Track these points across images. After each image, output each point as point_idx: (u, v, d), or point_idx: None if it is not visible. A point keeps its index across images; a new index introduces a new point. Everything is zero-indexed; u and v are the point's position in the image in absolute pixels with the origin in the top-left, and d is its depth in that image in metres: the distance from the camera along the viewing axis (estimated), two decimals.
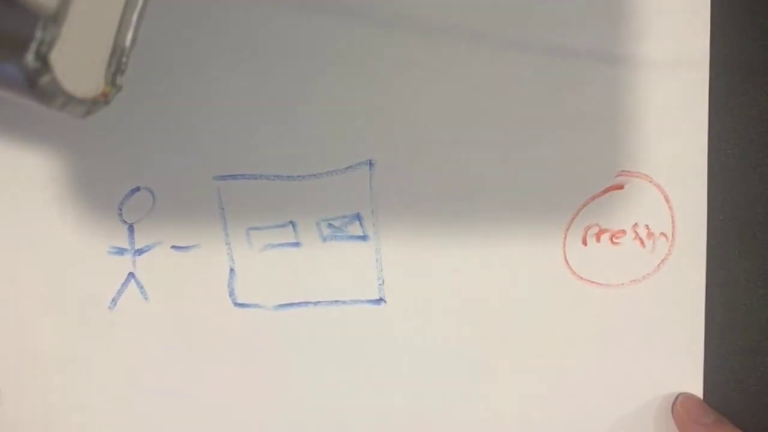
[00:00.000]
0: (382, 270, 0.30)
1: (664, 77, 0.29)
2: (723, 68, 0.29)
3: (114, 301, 0.30)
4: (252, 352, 0.30)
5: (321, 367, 0.30)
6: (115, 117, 0.28)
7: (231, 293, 0.30)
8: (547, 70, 0.29)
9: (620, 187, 0.29)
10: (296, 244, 0.30)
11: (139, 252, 0.29)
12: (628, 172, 0.29)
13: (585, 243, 0.30)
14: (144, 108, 0.29)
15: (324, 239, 0.29)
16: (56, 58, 0.17)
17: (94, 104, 0.20)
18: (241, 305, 0.30)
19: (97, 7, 0.19)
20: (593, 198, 0.29)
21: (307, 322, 0.30)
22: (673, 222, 0.30)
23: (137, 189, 0.29)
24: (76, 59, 0.18)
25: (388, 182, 0.29)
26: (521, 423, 0.31)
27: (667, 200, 0.29)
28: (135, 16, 0.20)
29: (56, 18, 0.17)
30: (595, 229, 0.30)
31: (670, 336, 0.30)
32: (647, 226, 0.30)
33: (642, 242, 0.30)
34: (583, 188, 0.29)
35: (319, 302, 0.30)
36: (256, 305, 0.30)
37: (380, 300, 0.30)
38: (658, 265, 0.30)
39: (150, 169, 0.29)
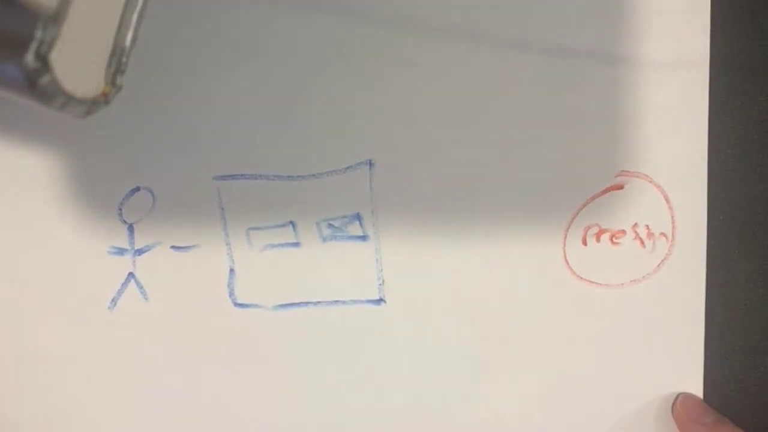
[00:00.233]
0: (382, 270, 0.30)
1: (664, 77, 0.29)
2: (723, 68, 0.29)
3: (114, 301, 0.30)
4: (252, 352, 0.30)
5: (321, 367, 0.30)
6: (115, 117, 0.28)
7: (231, 293, 0.30)
8: (547, 70, 0.29)
9: (620, 187, 0.29)
10: (296, 244, 0.30)
11: (139, 252, 0.29)
12: (628, 172, 0.29)
13: (585, 243, 0.30)
14: (144, 108, 0.29)
15: (324, 239, 0.29)
16: (56, 58, 0.17)
17: (94, 104, 0.20)
18: (241, 305, 0.30)
19: (97, 7, 0.19)
20: (593, 198, 0.29)
21: (307, 322, 0.30)
22: (673, 222, 0.30)
23: (137, 189, 0.29)
24: (76, 59, 0.18)
25: (388, 182, 0.29)
26: (521, 423, 0.31)
27: (667, 200, 0.29)
28: (135, 16, 0.20)
29: (56, 18, 0.17)
30: (595, 229, 0.30)
31: (670, 336, 0.30)
32: (647, 226, 0.30)
33: (642, 242, 0.30)
34: (583, 188, 0.29)
35: (319, 302, 0.30)
36: (256, 305, 0.30)
37: (380, 300, 0.30)
38: (658, 265, 0.30)
39: (150, 169, 0.29)
